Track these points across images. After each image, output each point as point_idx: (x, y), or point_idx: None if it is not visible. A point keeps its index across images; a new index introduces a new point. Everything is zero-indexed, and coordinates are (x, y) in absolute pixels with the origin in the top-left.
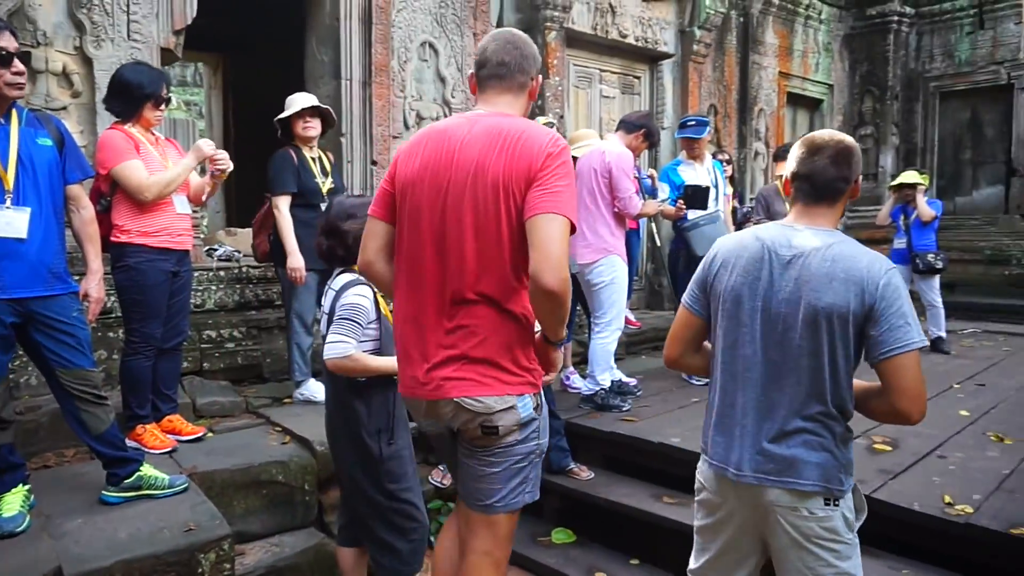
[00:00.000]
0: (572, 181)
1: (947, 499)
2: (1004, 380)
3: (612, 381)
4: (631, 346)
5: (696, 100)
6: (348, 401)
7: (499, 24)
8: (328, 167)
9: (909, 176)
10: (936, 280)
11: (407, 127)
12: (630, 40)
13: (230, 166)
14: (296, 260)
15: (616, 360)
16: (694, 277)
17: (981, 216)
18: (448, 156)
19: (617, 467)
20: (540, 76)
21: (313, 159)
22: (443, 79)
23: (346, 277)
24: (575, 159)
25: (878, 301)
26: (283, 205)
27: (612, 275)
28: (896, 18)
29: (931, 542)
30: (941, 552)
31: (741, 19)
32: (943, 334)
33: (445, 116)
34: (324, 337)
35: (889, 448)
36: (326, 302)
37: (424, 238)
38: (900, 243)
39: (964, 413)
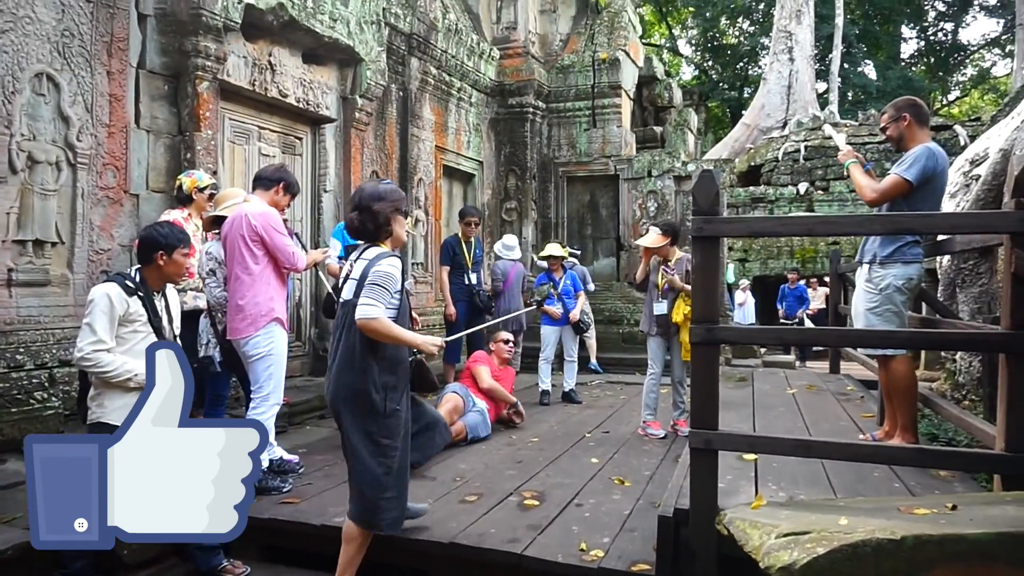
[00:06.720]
0: None
1: (583, 546)
2: (622, 427)
3: (271, 460)
4: (294, 416)
5: (359, 166)
6: (364, 357)
7: (140, 66)
8: None
9: (554, 248)
10: (578, 338)
11: (14, 171)
12: (291, 100)
13: None
14: None
15: (278, 434)
16: None
17: (600, 283)
18: None
19: (278, 556)
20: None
21: None
22: (66, 119)
23: (378, 249)
24: (223, 219)
25: None
26: None
27: (269, 344)
28: (531, 109)
29: None
30: None
31: (401, 93)
32: (575, 386)
33: (69, 161)
34: (341, 301)
35: (537, 503)
36: (356, 269)
37: None
38: (558, 308)
39: (594, 460)
